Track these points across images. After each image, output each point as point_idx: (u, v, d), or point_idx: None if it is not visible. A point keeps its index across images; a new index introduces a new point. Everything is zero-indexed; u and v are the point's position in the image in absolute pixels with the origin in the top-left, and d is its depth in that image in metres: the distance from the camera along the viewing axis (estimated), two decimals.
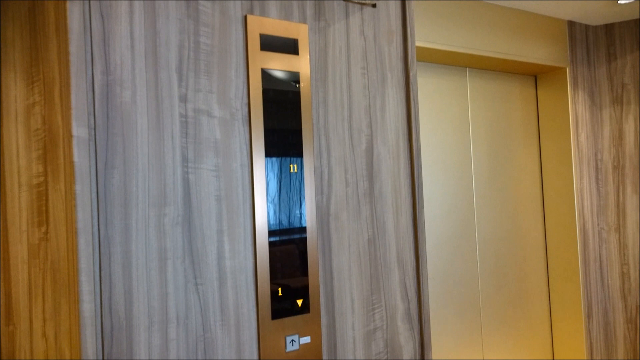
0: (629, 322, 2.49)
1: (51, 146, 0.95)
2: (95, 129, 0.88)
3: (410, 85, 1.27)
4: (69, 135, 0.87)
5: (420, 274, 1.26)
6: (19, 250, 1.12)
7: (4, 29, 1.18)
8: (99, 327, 0.87)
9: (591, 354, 2.44)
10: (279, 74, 1.08)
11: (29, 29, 1.05)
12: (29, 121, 1.05)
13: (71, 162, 0.86)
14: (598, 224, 2.52)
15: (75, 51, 0.87)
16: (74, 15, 0.87)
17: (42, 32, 0.98)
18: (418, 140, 1.27)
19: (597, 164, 2.53)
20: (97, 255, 0.87)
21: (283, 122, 1.08)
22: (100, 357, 0.87)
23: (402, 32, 1.27)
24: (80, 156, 0.86)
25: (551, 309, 2.56)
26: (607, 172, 2.53)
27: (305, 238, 1.10)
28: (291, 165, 1.09)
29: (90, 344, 0.86)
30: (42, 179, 0.99)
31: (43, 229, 0.99)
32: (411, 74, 1.27)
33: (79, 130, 0.86)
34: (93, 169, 0.88)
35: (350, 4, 1.19)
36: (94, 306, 0.86)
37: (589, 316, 2.44)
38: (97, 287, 0.87)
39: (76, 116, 0.86)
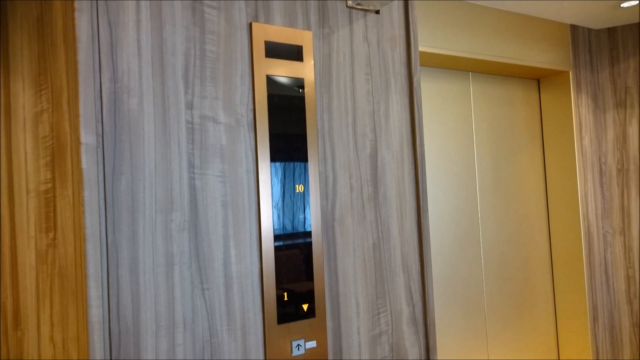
0: (635, 326, 2.48)
1: (59, 153, 0.96)
2: (103, 135, 0.89)
3: (414, 90, 1.27)
4: (77, 142, 0.88)
5: (425, 278, 1.26)
6: (27, 256, 1.13)
7: (12, 37, 1.20)
8: (106, 332, 0.88)
9: (597, 357, 2.43)
10: (283, 80, 1.09)
11: (37, 38, 1.06)
12: (37, 128, 1.06)
13: (79, 169, 0.87)
14: (603, 227, 2.51)
15: (84, 59, 0.88)
16: (82, 24, 0.88)
17: (50, 40, 1.00)
18: (422, 145, 1.27)
19: (601, 168, 2.53)
20: (104, 260, 0.88)
21: (288, 128, 1.09)
22: None
23: (405, 37, 1.28)
24: (88, 163, 0.87)
25: (556, 312, 2.55)
26: (612, 176, 2.53)
27: (311, 243, 1.10)
28: (296, 171, 1.09)
29: (98, 349, 0.86)
30: (50, 185, 1.01)
31: (51, 235, 1.00)
32: (414, 79, 1.28)
33: (87, 137, 0.87)
34: (101, 176, 0.89)
35: (353, 11, 1.20)
36: (102, 311, 0.87)
37: (594, 320, 2.43)
38: (104, 293, 0.88)
39: (84, 123, 0.87)
